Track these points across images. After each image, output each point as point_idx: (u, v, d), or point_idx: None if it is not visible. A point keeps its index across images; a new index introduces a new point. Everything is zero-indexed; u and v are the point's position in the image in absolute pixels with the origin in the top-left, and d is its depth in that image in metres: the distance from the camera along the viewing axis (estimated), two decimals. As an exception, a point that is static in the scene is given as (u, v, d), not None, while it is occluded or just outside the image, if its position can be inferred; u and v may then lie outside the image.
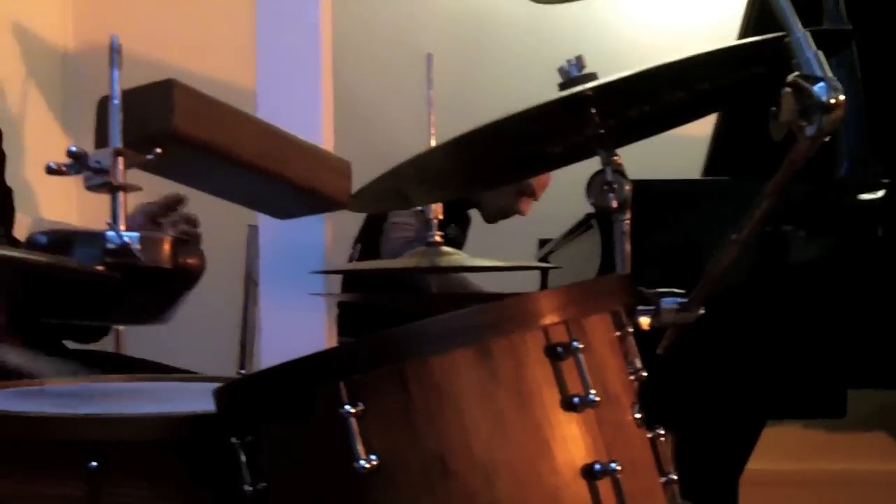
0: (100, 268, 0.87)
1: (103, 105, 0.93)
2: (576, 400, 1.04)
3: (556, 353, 1.04)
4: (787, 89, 0.97)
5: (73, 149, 0.89)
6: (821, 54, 0.98)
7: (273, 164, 1.08)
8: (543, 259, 3.39)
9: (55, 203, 3.60)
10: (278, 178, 1.10)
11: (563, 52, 1.53)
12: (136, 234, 0.89)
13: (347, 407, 1.00)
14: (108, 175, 0.89)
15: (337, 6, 2.37)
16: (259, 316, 2.15)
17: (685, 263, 2.14)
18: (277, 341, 2.05)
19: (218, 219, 2.10)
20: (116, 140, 0.90)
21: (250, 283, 2.16)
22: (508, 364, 1.03)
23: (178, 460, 1.18)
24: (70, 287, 0.92)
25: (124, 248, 0.88)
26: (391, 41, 4.16)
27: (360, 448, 1.00)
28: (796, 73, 0.98)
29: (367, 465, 1.00)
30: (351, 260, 3.13)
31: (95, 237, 0.88)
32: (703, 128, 3.26)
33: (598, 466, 1.03)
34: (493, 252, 3.48)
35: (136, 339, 2.29)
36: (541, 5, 3.49)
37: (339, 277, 2.85)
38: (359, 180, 1.49)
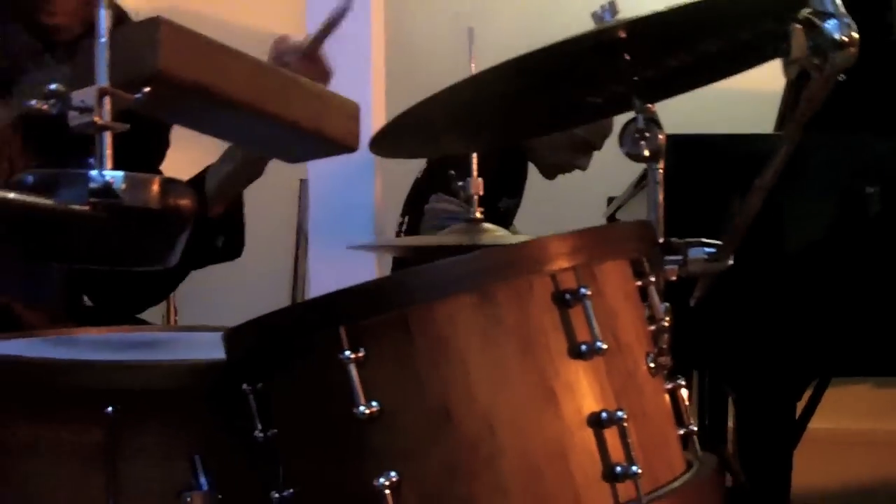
0: (84, 208, 0.87)
1: (91, 44, 0.92)
2: (583, 347, 1.00)
3: (563, 300, 1.01)
4: (798, 26, 0.92)
5: (54, 87, 0.88)
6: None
7: (272, 106, 1.06)
8: (611, 217, 3.33)
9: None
10: (279, 119, 1.08)
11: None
12: (120, 174, 0.88)
13: (348, 352, 0.99)
14: (92, 114, 0.88)
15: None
16: (308, 269, 2.15)
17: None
18: (327, 294, 2.04)
19: (268, 173, 2.09)
20: (103, 79, 0.89)
21: (301, 236, 2.16)
22: (513, 310, 1.00)
23: (192, 407, 1.18)
24: (60, 228, 0.91)
25: (108, 188, 0.87)
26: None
27: (360, 394, 0.99)
28: (807, 10, 0.93)
29: (368, 411, 0.98)
30: (399, 229, 3.09)
31: (79, 177, 0.87)
32: (777, 83, 3.16)
33: (604, 415, 1.00)
34: (559, 211, 3.46)
35: (188, 293, 2.30)
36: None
37: (391, 232, 2.84)
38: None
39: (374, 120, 2.09)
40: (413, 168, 3.12)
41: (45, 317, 1.66)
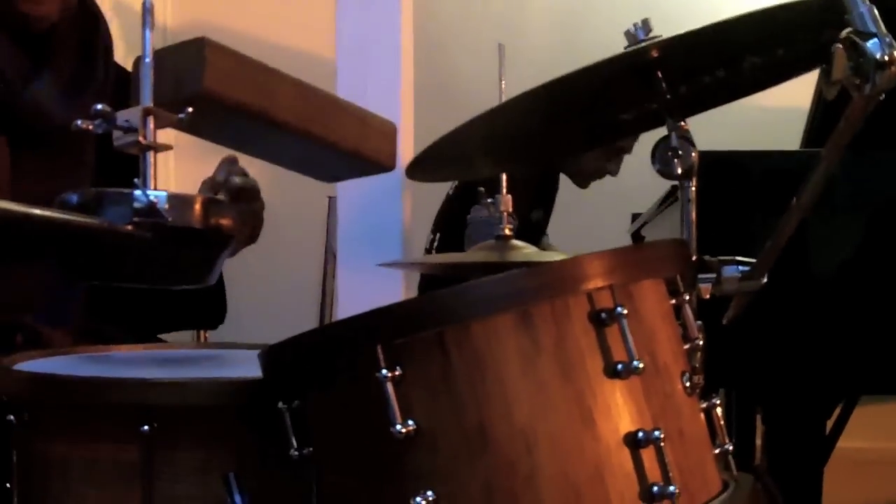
0: (129, 227, 0.87)
1: (137, 64, 0.93)
2: (620, 367, 1.00)
3: (600, 320, 1.01)
4: (839, 46, 0.92)
5: (100, 107, 0.89)
6: (874, 9, 0.92)
7: (312, 125, 1.07)
8: (636, 234, 3.33)
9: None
10: (318, 139, 1.09)
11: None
12: (163, 194, 0.89)
13: (385, 371, 0.99)
14: (137, 134, 0.89)
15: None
16: (337, 287, 2.15)
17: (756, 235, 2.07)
18: (355, 312, 2.05)
19: (298, 191, 2.11)
20: (147, 99, 0.90)
21: (329, 254, 2.16)
22: (550, 330, 1.01)
23: (228, 425, 1.19)
24: (104, 248, 0.92)
25: (152, 208, 0.88)
26: (477, 14, 4.12)
27: (397, 413, 0.99)
28: (849, 30, 0.93)
29: (405, 430, 0.99)
30: (430, 246, 3.10)
31: (124, 197, 0.88)
32: (804, 99, 3.16)
33: (641, 434, 1.00)
34: (584, 228, 3.46)
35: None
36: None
37: (419, 251, 2.85)
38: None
39: (403, 138, 2.10)
40: (442, 185, 3.13)
41: (68, 338, 1.67)
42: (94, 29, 1.68)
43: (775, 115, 3.17)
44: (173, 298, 1.72)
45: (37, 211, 0.85)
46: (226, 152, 1.46)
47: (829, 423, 2.38)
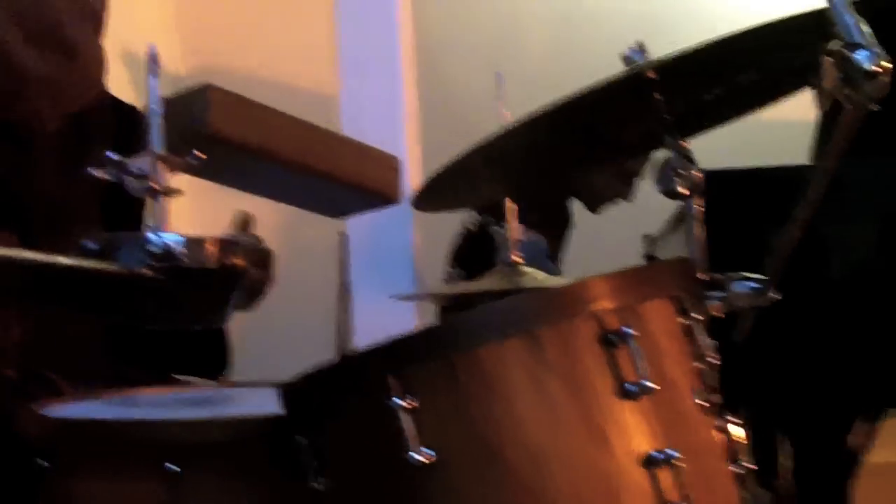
0: (145, 271, 0.90)
1: (145, 112, 0.96)
2: (631, 388, 1.02)
3: (608, 341, 1.03)
4: (828, 58, 0.94)
5: (113, 155, 0.92)
6: (862, 21, 0.94)
7: (316, 161, 1.10)
8: (649, 256, 3.33)
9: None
10: (322, 174, 1.11)
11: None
12: (179, 237, 0.92)
13: (397, 400, 1.01)
14: (149, 180, 0.92)
15: (418, 9, 2.39)
16: (353, 321, 2.18)
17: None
18: (371, 345, 2.07)
19: (308, 228, 2.13)
20: (157, 145, 0.93)
21: (343, 290, 2.19)
22: (559, 352, 1.02)
23: (250, 460, 1.21)
24: (121, 292, 0.95)
25: (168, 251, 0.90)
26: (476, 41, 4.15)
27: (412, 441, 1.00)
28: (837, 42, 0.95)
29: (420, 458, 1.00)
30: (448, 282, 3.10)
31: (139, 241, 0.91)
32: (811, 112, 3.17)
33: (656, 454, 1.01)
34: (597, 251, 3.47)
35: (238, 351, 2.33)
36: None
37: (432, 281, 2.86)
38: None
39: (411, 171, 2.12)
40: (452, 214, 3.14)
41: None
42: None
43: (783, 129, 3.18)
44: (180, 345, 1.74)
45: (57, 259, 0.88)
46: (235, 194, 1.48)
47: (856, 439, 2.38)
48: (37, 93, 1.46)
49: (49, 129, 1.54)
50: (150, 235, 0.91)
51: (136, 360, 1.78)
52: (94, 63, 1.54)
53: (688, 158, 1.38)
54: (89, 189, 1.52)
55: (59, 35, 1.45)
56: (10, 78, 1.43)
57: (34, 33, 1.43)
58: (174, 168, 0.94)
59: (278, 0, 4.09)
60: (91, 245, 0.92)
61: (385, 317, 2.13)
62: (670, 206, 2.89)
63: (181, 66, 4.26)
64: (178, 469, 1.19)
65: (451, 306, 2.76)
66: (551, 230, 3.26)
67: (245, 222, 1.56)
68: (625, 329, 1.03)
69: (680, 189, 1.36)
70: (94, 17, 1.50)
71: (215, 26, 4.17)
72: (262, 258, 1.59)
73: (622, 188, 3.31)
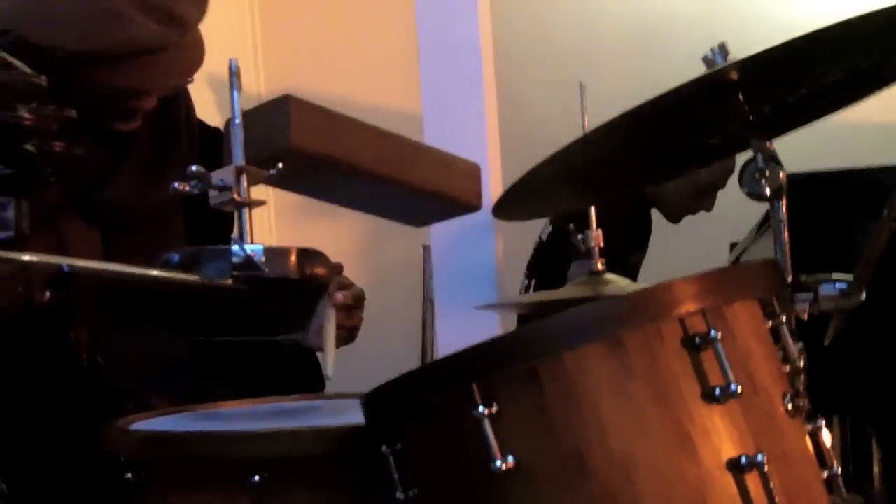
0: (228, 282, 0.91)
1: (227, 126, 0.97)
2: (717, 391, 1.00)
3: (693, 345, 1.01)
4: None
5: (195, 168, 0.93)
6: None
7: (396, 171, 1.10)
8: (736, 262, 3.29)
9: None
10: (403, 184, 1.12)
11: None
12: (260, 247, 0.93)
13: (481, 408, 1.00)
14: (232, 192, 0.93)
15: (497, 24, 2.39)
16: (436, 332, 2.18)
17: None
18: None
19: (393, 241, 2.14)
20: (239, 158, 0.94)
21: (427, 301, 2.19)
22: (643, 356, 1.01)
23: (335, 472, 1.21)
24: (205, 303, 0.96)
25: (250, 262, 0.91)
26: (554, 53, 4.14)
27: (495, 448, 0.99)
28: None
29: (504, 466, 0.99)
30: (523, 292, 3.10)
31: (222, 253, 0.92)
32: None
33: (744, 459, 0.99)
34: (682, 260, 3.43)
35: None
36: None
37: (514, 291, 2.86)
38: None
39: (491, 181, 2.13)
40: (533, 224, 3.14)
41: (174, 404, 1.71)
42: (174, 110, 1.72)
43: (870, 131, 3.12)
44: (274, 361, 1.75)
45: (141, 272, 0.89)
46: (320, 205, 1.49)
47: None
48: (150, 61, 1.50)
49: (150, 106, 1.59)
50: (233, 247, 0.92)
51: (224, 376, 1.81)
52: (199, 43, 1.58)
53: (773, 160, 1.36)
54: (172, 201, 1.55)
55: (171, 8, 1.49)
56: (126, 44, 1.46)
57: (149, 3, 1.47)
58: (256, 180, 0.95)
59: (359, 19, 4.14)
60: (175, 257, 0.94)
61: (468, 327, 2.13)
62: (756, 215, 2.86)
63: (263, 88, 4.33)
64: (264, 481, 1.19)
65: (531, 316, 2.76)
66: (634, 245, 3.24)
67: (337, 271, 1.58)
68: (710, 332, 1.01)
69: (766, 191, 1.34)
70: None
71: (297, 46, 4.23)
72: (356, 299, 1.61)
73: (704, 201, 3.29)
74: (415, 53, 2.31)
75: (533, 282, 3.04)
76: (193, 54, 1.57)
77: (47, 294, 0.79)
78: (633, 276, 3.24)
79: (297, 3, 4.25)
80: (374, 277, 2.08)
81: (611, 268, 1.90)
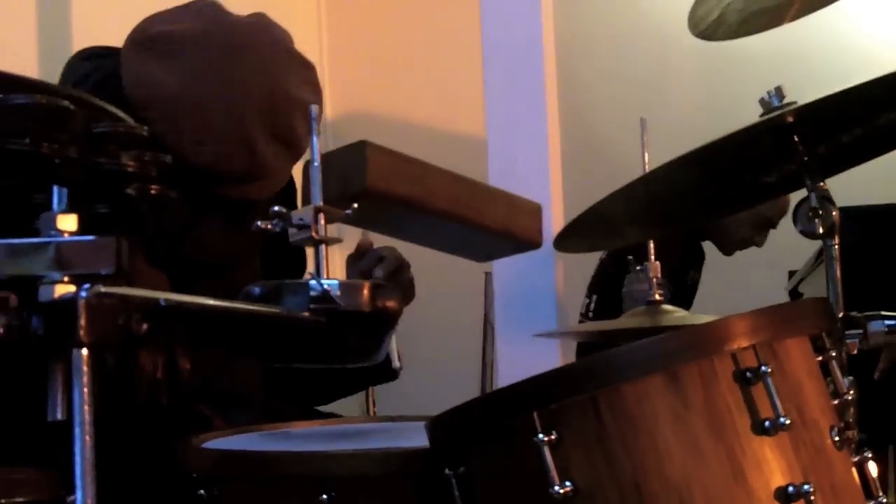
0: (305, 314, 0.98)
1: (307, 168, 1.04)
2: (767, 424, 1.05)
3: (745, 378, 1.06)
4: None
5: (277, 208, 1.01)
6: None
7: (465, 212, 1.17)
8: (794, 291, 3.31)
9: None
10: (471, 224, 1.18)
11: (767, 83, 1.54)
12: (336, 282, 0.99)
13: (541, 435, 1.06)
14: (310, 230, 1.00)
15: (562, 53, 2.44)
16: (496, 358, 2.23)
17: None
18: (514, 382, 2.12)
19: (455, 269, 2.20)
20: (317, 198, 1.01)
21: (488, 327, 2.25)
22: (698, 390, 1.06)
23: (399, 493, 1.26)
24: (283, 333, 1.03)
25: (326, 296, 0.98)
26: (620, 79, 4.18)
27: (555, 474, 1.05)
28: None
29: (563, 491, 1.05)
30: (586, 310, 3.15)
31: (300, 287, 0.99)
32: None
33: (791, 489, 1.03)
34: (741, 287, 3.45)
35: (385, 386, 2.42)
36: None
37: (574, 319, 2.90)
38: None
39: (553, 215, 2.18)
40: (592, 253, 3.19)
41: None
42: None
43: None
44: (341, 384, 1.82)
45: (227, 304, 0.96)
46: (385, 240, 1.56)
47: None
48: (266, 182, 1.63)
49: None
50: (311, 281, 0.99)
51: (293, 398, 1.87)
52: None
53: (826, 199, 1.40)
54: (253, 242, 1.64)
55: (291, 135, 1.60)
56: (254, 167, 1.58)
57: (276, 132, 1.58)
58: (333, 219, 1.02)
59: (425, 41, 4.21)
60: (255, 290, 1.01)
61: (528, 354, 2.17)
62: (814, 243, 2.88)
63: (329, 109, 4.41)
64: (332, 500, 1.24)
65: (590, 343, 2.80)
66: (692, 263, 3.29)
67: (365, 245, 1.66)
68: (762, 367, 1.06)
69: (818, 230, 1.38)
70: (309, 117, 1.64)
71: (363, 72, 4.31)
72: (398, 262, 1.68)
73: (758, 237, 3.35)
74: (480, 81, 2.37)
75: (594, 299, 3.10)
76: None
77: (144, 326, 0.87)
78: (690, 295, 3.28)
79: (363, 25, 4.33)
80: (437, 302, 2.14)
81: (669, 283, 1.94)
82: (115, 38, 1.65)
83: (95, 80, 1.59)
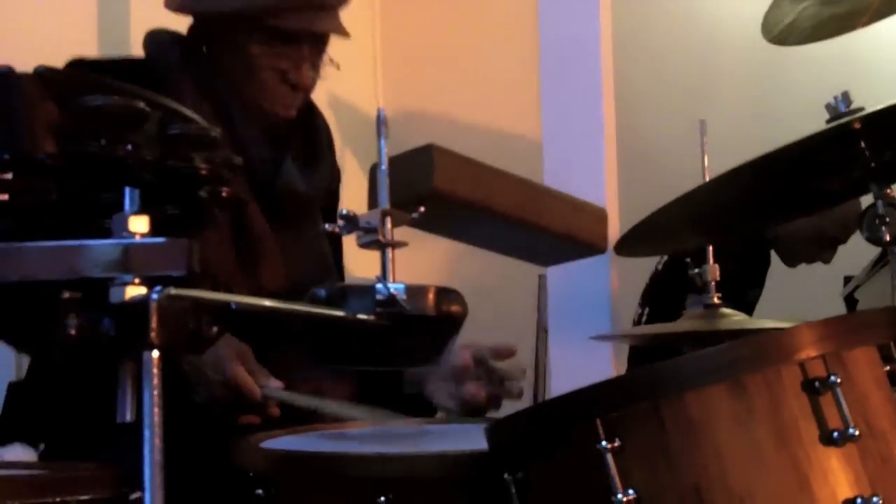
0: (371, 317, 0.98)
1: (373, 171, 1.04)
2: (835, 435, 1.04)
3: (813, 388, 1.05)
4: None
5: (345, 212, 1.01)
6: None
7: (530, 215, 1.16)
8: (849, 297, 3.26)
9: (363, 262, 3.85)
10: (535, 227, 1.18)
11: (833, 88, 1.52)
12: (401, 286, 1.00)
13: (604, 443, 1.05)
14: (377, 234, 1.00)
15: (619, 56, 2.44)
16: (549, 361, 2.22)
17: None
18: (567, 386, 2.11)
19: (510, 270, 2.19)
20: (384, 201, 1.01)
21: (541, 330, 2.24)
22: (764, 399, 1.05)
23: (457, 496, 1.25)
24: (349, 336, 1.03)
25: (392, 299, 0.98)
26: (675, 82, 4.15)
27: (617, 482, 1.04)
28: None
29: (625, 499, 1.04)
30: (639, 320, 3.13)
31: (367, 290, 0.99)
32: None
33: (860, 501, 1.02)
34: (796, 291, 3.41)
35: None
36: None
37: (628, 323, 2.89)
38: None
39: (610, 218, 2.16)
40: (648, 257, 3.17)
41: (347, 390, 1.79)
42: (312, 116, 1.88)
43: None
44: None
45: (293, 307, 0.97)
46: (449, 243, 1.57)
47: None
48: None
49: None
50: (377, 285, 0.99)
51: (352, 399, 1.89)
52: None
53: (893, 206, 1.38)
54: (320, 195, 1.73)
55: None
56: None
57: None
58: (399, 222, 1.02)
59: (481, 44, 4.20)
60: (321, 292, 1.01)
61: (582, 357, 2.17)
62: (872, 249, 2.84)
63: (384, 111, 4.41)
64: (389, 502, 1.24)
65: (645, 347, 2.78)
66: (749, 275, 3.25)
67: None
68: (830, 377, 1.04)
69: (885, 237, 1.37)
70: None
71: (418, 72, 4.30)
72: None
73: (824, 254, 3.31)
74: (536, 83, 2.37)
75: (647, 311, 3.07)
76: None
77: (215, 329, 0.87)
78: (749, 310, 3.24)
79: (418, 24, 4.33)
80: (489, 304, 2.13)
81: (728, 301, 1.92)
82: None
83: None
